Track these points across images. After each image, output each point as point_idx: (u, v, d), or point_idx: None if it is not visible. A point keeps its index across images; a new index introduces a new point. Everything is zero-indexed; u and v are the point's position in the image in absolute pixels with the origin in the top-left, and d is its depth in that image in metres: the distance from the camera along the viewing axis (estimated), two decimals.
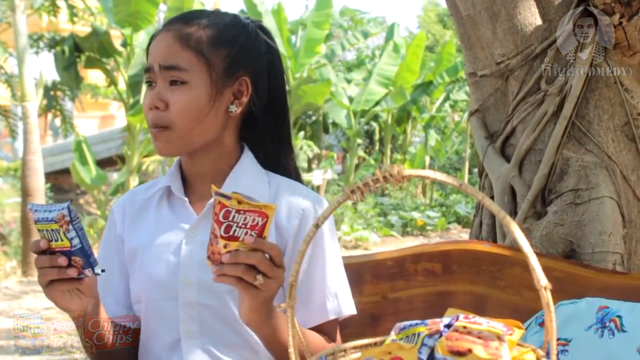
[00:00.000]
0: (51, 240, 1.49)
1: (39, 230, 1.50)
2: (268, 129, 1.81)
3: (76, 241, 1.48)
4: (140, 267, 1.75)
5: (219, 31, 1.71)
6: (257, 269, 1.41)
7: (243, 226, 1.39)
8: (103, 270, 1.53)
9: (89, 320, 1.64)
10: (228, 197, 1.38)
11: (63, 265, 1.50)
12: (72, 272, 1.51)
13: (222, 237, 1.39)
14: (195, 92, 1.67)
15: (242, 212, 1.38)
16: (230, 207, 1.38)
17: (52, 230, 1.48)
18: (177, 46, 1.67)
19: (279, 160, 1.83)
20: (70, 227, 1.46)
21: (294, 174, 1.85)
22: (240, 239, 1.39)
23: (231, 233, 1.39)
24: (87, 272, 1.51)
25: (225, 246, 1.40)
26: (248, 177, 1.76)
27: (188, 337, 1.70)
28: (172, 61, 1.66)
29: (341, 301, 1.75)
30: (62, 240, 1.48)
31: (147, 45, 1.76)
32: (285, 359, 1.41)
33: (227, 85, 1.70)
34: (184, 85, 1.66)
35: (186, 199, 1.76)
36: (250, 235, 1.39)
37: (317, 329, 1.73)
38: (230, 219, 1.38)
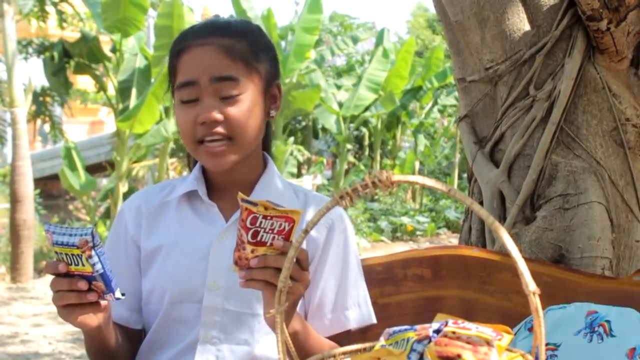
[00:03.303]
0: (70, 264, 1.46)
1: (56, 252, 1.47)
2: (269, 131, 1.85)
3: (98, 266, 1.45)
4: (161, 269, 1.75)
5: (256, 40, 1.73)
6: None
7: (270, 231, 1.42)
8: (123, 294, 1.51)
9: (102, 332, 1.62)
10: (254, 204, 1.41)
11: (83, 290, 1.48)
12: (92, 297, 1.49)
13: (249, 242, 1.42)
14: (248, 101, 1.68)
15: (269, 217, 1.41)
16: (257, 213, 1.40)
17: (72, 254, 1.45)
18: (225, 58, 1.68)
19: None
20: (93, 252, 1.43)
21: None
22: (268, 244, 1.42)
23: (258, 238, 1.42)
24: (108, 296, 1.49)
25: (252, 251, 1.43)
26: (276, 187, 1.79)
27: (205, 342, 1.71)
28: (225, 72, 1.67)
29: (364, 310, 1.78)
30: (83, 265, 1.45)
31: (172, 61, 1.73)
32: (293, 357, 1.43)
33: (267, 91, 1.74)
34: (238, 96, 1.67)
35: (214, 204, 1.77)
36: (278, 239, 1.42)
37: (333, 338, 1.74)
38: (258, 224, 1.41)
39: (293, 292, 1.45)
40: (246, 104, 1.68)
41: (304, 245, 1.67)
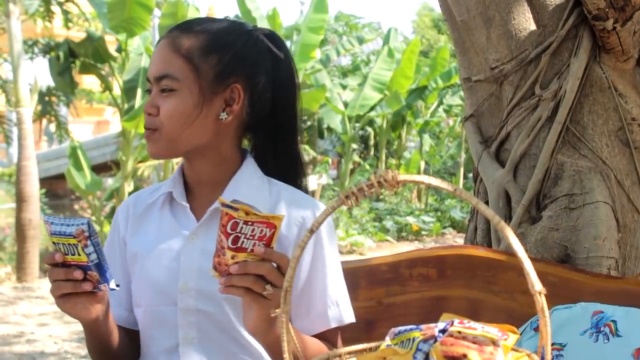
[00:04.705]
0: (67, 254, 1.49)
1: (54, 242, 1.50)
2: (272, 137, 1.81)
3: (93, 256, 1.48)
4: (141, 272, 1.77)
5: (211, 38, 1.72)
6: (265, 279, 1.43)
7: (251, 237, 1.40)
8: (118, 285, 1.54)
9: (100, 325, 1.65)
10: (235, 209, 1.38)
11: (78, 279, 1.51)
12: (87, 287, 1.52)
13: (229, 248, 1.40)
14: (182, 98, 1.68)
15: (249, 223, 1.39)
16: (237, 219, 1.38)
17: (69, 244, 1.48)
18: (169, 55, 1.70)
19: (284, 169, 1.83)
20: (89, 242, 1.47)
21: (298, 184, 1.85)
22: (248, 250, 1.40)
23: (239, 244, 1.40)
24: (102, 286, 1.52)
25: (232, 257, 1.41)
26: (248, 185, 1.76)
27: (186, 343, 1.72)
28: (163, 71, 1.69)
29: (342, 309, 1.76)
30: (79, 254, 1.48)
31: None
32: (298, 358, 1.43)
33: (217, 92, 1.70)
34: (172, 92, 1.68)
35: (187, 205, 1.77)
36: (259, 246, 1.40)
37: (319, 336, 1.73)
38: (238, 230, 1.39)
39: (273, 297, 1.44)
40: (177, 100, 1.68)
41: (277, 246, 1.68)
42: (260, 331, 1.51)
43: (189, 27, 1.74)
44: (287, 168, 1.84)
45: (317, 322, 1.73)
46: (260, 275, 1.42)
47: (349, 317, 1.77)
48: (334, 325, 1.74)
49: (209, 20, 1.78)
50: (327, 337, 1.74)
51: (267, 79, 1.75)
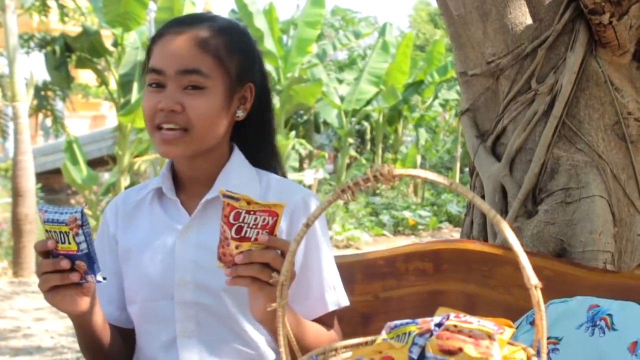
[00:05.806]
0: (58, 242, 1.50)
1: (46, 230, 1.50)
2: (255, 129, 1.84)
3: (83, 246, 1.48)
4: (135, 268, 1.77)
5: (233, 38, 1.73)
6: (270, 267, 1.43)
7: (254, 226, 1.41)
8: (105, 278, 1.54)
9: (88, 320, 1.65)
10: (236, 199, 1.39)
11: (65, 269, 1.50)
12: (75, 277, 1.51)
13: (233, 238, 1.41)
14: (213, 97, 1.68)
15: (252, 212, 1.40)
16: (240, 209, 1.39)
17: (60, 232, 1.48)
18: (196, 50, 1.68)
19: (269, 159, 1.86)
20: (80, 231, 1.47)
21: (279, 172, 1.87)
22: (252, 239, 1.42)
23: (242, 234, 1.41)
24: (90, 277, 1.52)
25: (237, 247, 1.42)
26: (238, 176, 1.78)
27: (184, 336, 1.73)
28: (193, 65, 1.67)
29: (339, 293, 1.79)
30: (69, 243, 1.48)
31: (149, 46, 1.75)
32: (294, 351, 1.43)
33: (236, 91, 1.73)
34: (202, 90, 1.67)
35: (177, 199, 1.78)
36: (262, 234, 1.41)
37: (317, 320, 1.75)
38: (241, 220, 1.40)
39: (277, 285, 1.45)
40: (208, 99, 1.67)
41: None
42: (267, 319, 1.52)
43: (201, 23, 1.72)
44: (271, 158, 1.88)
45: (315, 306, 1.75)
46: (265, 264, 1.43)
47: (345, 301, 1.80)
48: (332, 308, 1.77)
49: (213, 17, 1.77)
50: (325, 320, 1.76)
51: (261, 74, 1.81)
